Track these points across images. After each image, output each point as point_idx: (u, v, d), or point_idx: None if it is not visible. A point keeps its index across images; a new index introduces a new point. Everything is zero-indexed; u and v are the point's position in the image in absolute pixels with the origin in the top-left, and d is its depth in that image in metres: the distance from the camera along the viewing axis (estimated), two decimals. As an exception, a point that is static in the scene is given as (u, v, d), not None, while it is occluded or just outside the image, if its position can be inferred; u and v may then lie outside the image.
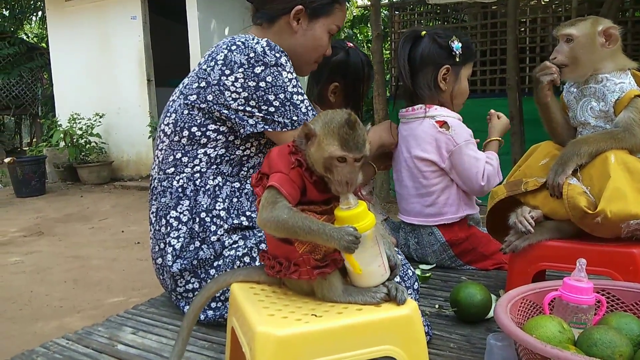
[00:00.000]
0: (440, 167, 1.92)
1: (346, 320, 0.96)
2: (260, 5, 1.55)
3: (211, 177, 1.45)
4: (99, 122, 7.62)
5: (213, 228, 1.43)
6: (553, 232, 1.51)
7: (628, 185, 1.38)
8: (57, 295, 3.21)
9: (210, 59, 1.45)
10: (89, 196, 6.81)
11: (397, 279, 1.31)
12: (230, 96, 1.40)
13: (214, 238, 1.42)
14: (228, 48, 1.42)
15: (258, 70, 1.38)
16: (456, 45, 1.91)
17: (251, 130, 1.42)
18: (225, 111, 1.42)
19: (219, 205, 1.44)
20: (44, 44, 11.01)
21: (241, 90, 1.38)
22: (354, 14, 9.85)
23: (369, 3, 5.63)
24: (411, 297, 1.32)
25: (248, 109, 1.40)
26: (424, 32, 1.97)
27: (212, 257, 1.42)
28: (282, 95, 1.39)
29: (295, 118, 1.41)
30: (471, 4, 5.88)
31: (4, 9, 11.89)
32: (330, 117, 1.00)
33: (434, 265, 1.99)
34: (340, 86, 2.04)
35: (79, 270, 3.72)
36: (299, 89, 1.44)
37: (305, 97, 1.45)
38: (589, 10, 5.30)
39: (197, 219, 1.43)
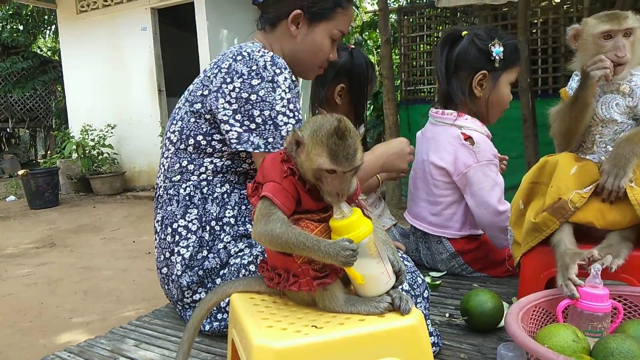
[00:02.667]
0: (453, 180, 1.83)
1: (347, 332, 0.92)
2: (264, 9, 1.53)
3: (219, 185, 1.43)
4: (111, 133, 7.68)
5: (222, 236, 1.41)
6: (626, 245, 1.32)
7: None
8: (67, 307, 3.21)
9: (215, 66, 1.42)
10: (102, 207, 6.84)
11: (406, 286, 1.26)
12: (222, 104, 1.36)
13: (220, 245, 1.40)
14: (234, 57, 1.39)
15: (255, 82, 1.34)
16: (496, 49, 1.77)
17: (236, 148, 1.36)
18: (202, 122, 1.40)
19: (229, 213, 1.42)
20: (56, 57, 11.16)
21: (234, 100, 1.35)
22: (364, 19, 9.84)
23: (378, 8, 5.61)
24: (421, 306, 1.29)
25: (232, 121, 1.35)
26: (465, 32, 1.85)
27: (218, 266, 1.40)
28: (266, 113, 1.33)
29: (270, 140, 1.33)
30: (481, 6, 5.83)
31: (18, 24, 12.10)
32: (319, 124, 0.94)
33: (445, 272, 1.94)
34: (346, 87, 2.02)
35: (90, 282, 3.72)
36: (291, 111, 1.36)
37: (295, 120, 1.36)
38: (602, 10, 5.21)
39: (208, 228, 1.40)
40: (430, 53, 6.30)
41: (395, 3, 11.85)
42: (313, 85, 2.16)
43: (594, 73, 1.35)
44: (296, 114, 1.37)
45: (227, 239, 1.40)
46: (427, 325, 1.28)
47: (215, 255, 1.39)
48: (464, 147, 1.78)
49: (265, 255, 1.34)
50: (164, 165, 1.49)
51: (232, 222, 1.41)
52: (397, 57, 7.20)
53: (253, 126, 1.33)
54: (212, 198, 1.41)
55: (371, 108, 8.20)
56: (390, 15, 7.02)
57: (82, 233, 5.37)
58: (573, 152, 1.49)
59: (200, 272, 1.39)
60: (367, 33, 9.43)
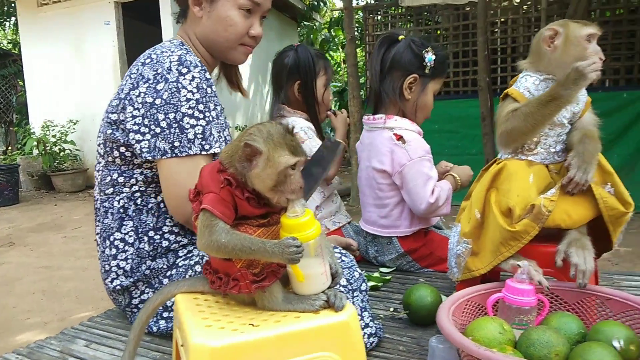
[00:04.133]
0: (394, 181, 1.91)
1: (283, 329, 0.97)
2: (177, 2, 1.49)
3: (153, 195, 1.40)
4: (73, 129, 7.52)
5: (165, 244, 1.40)
6: (586, 238, 1.40)
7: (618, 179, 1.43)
8: (24, 307, 3.16)
9: (127, 73, 1.39)
10: (63, 204, 6.71)
11: (343, 281, 1.32)
12: (131, 112, 1.32)
13: (167, 252, 1.41)
14: (143, 61, 1.35)
15: (159, 86, 1.29)
16: (429, 57, 1.87)
17: (145, 157, 1.31)
18: (119, 133, 1.37)
19: (169, 222, 1.41)
20: (17, 50, 10.83)
21: (140, 106, 1.30)
22: (332, 17, 9.89)
23: (343, 6, 5.66)
24: (358, 299, 1.34)
25: (142, 129, 1.30)
26: (401, 37, 1.94)
27: (165, 267, 1.41)
28: (171, 115, 1.27)
29: (177, 144, 1.28)
30: (444, 5, 5.95)
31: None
32: (267, 131, 0.99)
33: (394, 268, 2.01)
34: (302, 82, 2.13)
35: (49, 281, 3.66)
36: (200, 112, 1.30)
37: (206, 122, 1.31)
38: (558, 11, 5.40)
39: (146, 239, 1.40)
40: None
41: (364, 0, 11.95)
42: (272, 88, 2.25)
43: (591, 75, 1.34)
44: (207, 114, 1.31)
45: (174, 246, 1.41)
46: (365, 317, 1.35)
47: (162, 257, 1.41)
48: (397, 146, 1.87)
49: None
50: (97, 179, 1.47)
51: (176, 230, 1.41)
52: (363, 54, 7.27)
53: (158, 130, 1.28)
54: (147, 209, 1.40)
55: (337, 105, 8.27)
56: (356, 13, 7.09)
57: (42, 232, 5.27)
58: (512, 154, 1.55)
59: (147, 272, 1.41)
60: (333, 30, 9.48)
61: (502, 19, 5.83)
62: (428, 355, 1.19)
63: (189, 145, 1.28)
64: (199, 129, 1.30)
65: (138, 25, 8.64)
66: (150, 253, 1.40)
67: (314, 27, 9.78)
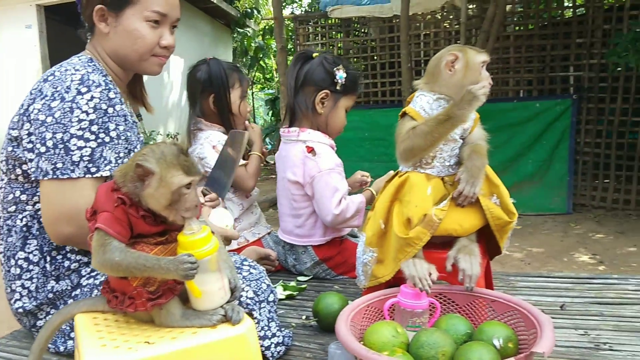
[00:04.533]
0: (306, 192, 1.98)
1: (179, 345, 1.00)
2: (84, 18, 1.46)
3: None
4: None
5: (67, 263, 1.39)
6: (475, 245, 1.52)
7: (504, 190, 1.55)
8: None
9: (30, 89, 1.38)
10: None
11: (251, 293, 1.35)
12: (27, 130, 1.32)
13: (69, 272, 1.39)
14: (45, 78, 1.35)
15: (54, 104, 1.27)
16: (340, 74, 1.95)
17: (32, 176, 1.31)
18: (19, 150, 1.35)
19: None
20: None
21: (33, 123, 1.29)
22: (265, 26, 9.93)
23: (273, 16, 5.72)
24: (265, 310, 1.38)
25: (32, 147, 1.30)
26: (315, 54, 2.02)
27: (69, 288, 1.39)
28: (59, 135, 1.26)
29: (59, 165, 1.26)
30: (373, 17, 6.15)
31: None
32: (160, 152, 1.02)
33: (311, 277, 2.07)
34: (215, 96, 2.16)
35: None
36: (92, 133, 1.28)
37: (97, 143, 1.29)
38: (476, 26, 5.72)
39: (49, 258, 1.38)
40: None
41: (299, 8, 12.08)
42: (189, 102, 2.26)
43: (483, 97, 1.45)
44: (101, 136, 1.29)
45: (74, 265, 1.39)
46: (272, 327, 1.40)
47: (66, 278, 1.39)
48: (308, 158, 1.95)
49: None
50: (0, 196, 1.44)
51: (76, 249, 1.39)
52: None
53: (43, 150, 1.27)
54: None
55: (270, 113, 8.32)
56: (289, 22, 7.18)
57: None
58: (411, 167, 1.66)
59: (51, 295, 1.38)
60: (266, 39, 9.54)
61: (426, 32, 6.10)
62: (327, 361, 1.26)
63: (72, 168, 1.27)
64: (86, 151, 1.28)
65: (63, 29, 8.29)
66: (53, 273, 1.38)
67: (248, 34, 9.79)
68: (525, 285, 1.89)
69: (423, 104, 1.58)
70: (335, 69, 1.96)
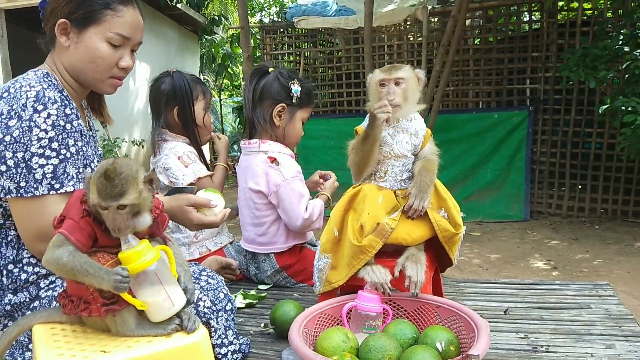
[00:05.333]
0: (270, 200, 2.05)
1: (134, 353, 1.04)
2: (45, 29, 1.47)
3: (13, 228, 1.39)
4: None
5: (24, 276, 1.40)
6: (422, 253, 1.61)
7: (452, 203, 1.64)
8: None
9: None
10: None
11: (208, 303, 1.39)
12: None
13: (27, 284, 1.40)
14: (0, 94, 1.35)
15: (11, 123, 1.28)
16: (295, 88, 2.05)
17: None
18: None
19: (27, 254, 1.39)
20: None
21: None
22: (232, 33, 9.95)
23: (239, 25, 5.76)
24: (222, 319, 1.43)
25: None
26: (271, 69, 2.11)
27: (27, 299, 1.40)
28: (20, 155, 1.27)
29: (23, 184, 1.28)
30: (337, 29, 6.27)
31: None
32: (100, 166, 1.07)
33: (272, 285, 2.13)
34: (179, 108, 2.21)
35: None
36: (53, 150, 1.30)
37: (59, 160, 1.31)
38: (438, 38, 5.91)
39: (5, 272, 1.38)
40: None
41: (267, 16, 12.14)
42: (152, 114, 2.29)
43: (380, 115, 1.57)
44: (62, 152, 1.32)
45: (32, 278, 1.40)
46: (229, 335, 1.45)
47: (24, 290, 1.40)
48: (272, 168, 2.03)
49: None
50: None
51: (33, 261, 1.40)
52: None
53: (4, 168, 1.28)
54: (7, 241, 1.39)
55: (237, 121, 8.34)
56: (254, 32, 7.23)
57: None
58: (366, 180, 1.74)
59: (8, 307, 1.39)
60: (232, 48, 9.55)
61: (389, 44, 6.25)
62: (281, 367, 1.32)
63: (35, 186, 1.29)
64: (49, 169, 1.30)
65: (25, 34, 8.12)
66: (10, 287, 1.39)
67: (215, 41, 9.79)
68: (473, 291, 2.00)
69: (365, 123, 1.68)
70: (290, 83, 2.05)
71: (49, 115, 1.31)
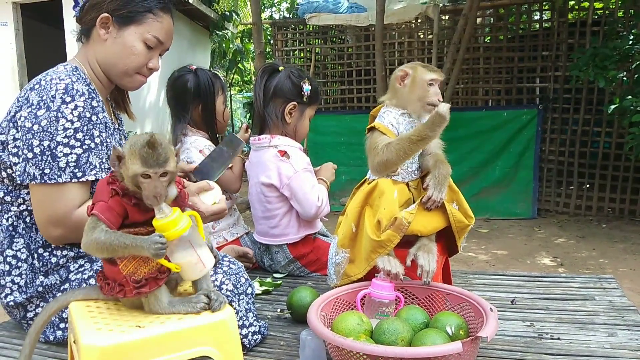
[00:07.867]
0: (281, 193, 2.13)
1: (166, 328, 1.12)
2: (81, 22, 1.55)
3: None
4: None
5: (54, 260, 1.48)
6: (433, 244, 1.68)
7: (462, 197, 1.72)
8: None
9: (17, 96, 1.45)
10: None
11: (230, 286, 1.47)
12: (13, 135, 1.40)
13: (57, 267, 1.48)
14: (31, 86, 1.41)
15: (40, 112, 1.35)
16: (306, 87, 2.14)
17: (18, 180, 1.39)
18: (5, 155, 1.43)
19: None
20: None
21: (20, 130, 1.37)
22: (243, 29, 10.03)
23: (252, 21, 5.84)
24: (243, 302, 1.51)
25: (18, 152, 1.38)
26: (281, 67, 2.19)
27: (58, 282, 1.49)
28: (46, 143, 1.34)
29: (47, 171, 1.35)
30: (348, 26, 6.33)
31: None
32: (135, 140, 1.13)
33: (286, 274, 2.21)
34: (203, 104, 2.29)
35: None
36: (77, 141, 1.37)
37: (83, 150, 1.38)
38: (448, 37, 5.95)
39: (36, 255, 1.47)
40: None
41: (277, 12, 12.19)
42: (175, 113, 2.35)
43: (448, 117, 1.55)
44: (86, 142, 1.38)
45: (62, 261, 1.48)
46: (250, 317, 1.53)
47: (54, 273, 1.48)
48: (282, 162, 2.11)
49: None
50: None
51: (61, 246, 1.48)
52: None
53: (30, 155, 1.35)
54: (37, 227, 1.44)
55: (248, 116, 8.41)
56: (267, 28, 7.30)
57: None
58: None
59: (40, 289, 1.48)
60: (244, 43, 9.62)
61: (400, 41, 6.30)
62: (300, 347, 1.40)
63: (58, 173, 1.35)
64: (72, 158, 1.36)
65: (39, 27, 8.24)
66: (42, 269, 1.47)
67: (227, 37, 9.87)
68: (481, 282, 2.07)
69: (390, 119, 1.73)
70: (302, 82, 2.13)
71: (76, 106, 1.37)
